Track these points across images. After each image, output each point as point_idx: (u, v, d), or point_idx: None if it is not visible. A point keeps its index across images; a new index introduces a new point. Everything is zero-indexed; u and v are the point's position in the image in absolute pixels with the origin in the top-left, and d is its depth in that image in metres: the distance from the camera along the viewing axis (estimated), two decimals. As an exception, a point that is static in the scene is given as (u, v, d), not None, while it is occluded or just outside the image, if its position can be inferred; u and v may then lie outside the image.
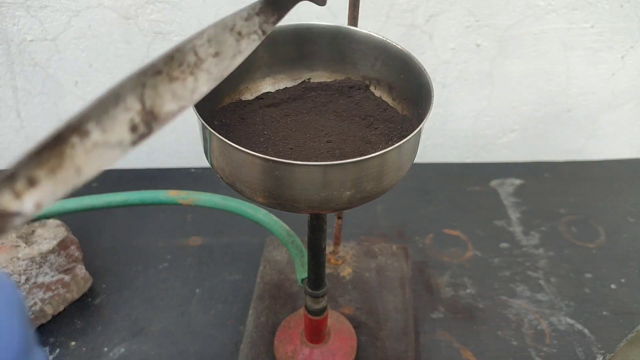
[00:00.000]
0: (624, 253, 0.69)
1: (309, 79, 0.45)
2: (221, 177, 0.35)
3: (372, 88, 0.44)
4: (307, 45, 0.44)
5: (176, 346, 0.57)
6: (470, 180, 0.80)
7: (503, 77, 0.74)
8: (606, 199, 0.77)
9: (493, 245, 0.69)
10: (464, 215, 0.74)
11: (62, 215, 0.59)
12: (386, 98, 0.44)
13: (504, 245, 0.69)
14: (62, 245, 0.57)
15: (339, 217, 0.60)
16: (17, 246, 0.55)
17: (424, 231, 0.71)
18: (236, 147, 0.31)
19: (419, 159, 0.84)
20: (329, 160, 0.36)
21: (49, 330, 0.58)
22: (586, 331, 0.59)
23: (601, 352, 0.57)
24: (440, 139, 0.82)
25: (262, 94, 0.44)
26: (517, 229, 0.72)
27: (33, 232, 0.57)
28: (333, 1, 0.66)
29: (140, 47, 0.69)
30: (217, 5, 0.66)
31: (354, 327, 0.57)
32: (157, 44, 0.69)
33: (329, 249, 0.64)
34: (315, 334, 0.52)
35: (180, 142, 0.79)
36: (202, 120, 0.33)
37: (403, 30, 0.69)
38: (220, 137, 0.32)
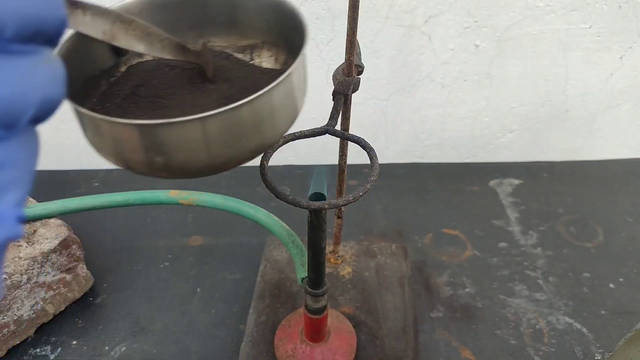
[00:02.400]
0: (623, 252, 0.69)
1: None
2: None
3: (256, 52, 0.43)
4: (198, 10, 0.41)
5: (177, 345, 0.57)
6: (469, 180, 0.80)
7: (502, 77, 0.75)
8: (604, 199, 0.77)
9: (492, 244, 0.70)
10: (463, 215, 0.74)
11: (64, 215, 0.60)
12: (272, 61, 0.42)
13: (502, 244, 0.70)
14: (64, 245, 0.57)
15: (339, 217, 0.61)
16: (19, 245, 0.55)
17: (423, 231, 0.72)
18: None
19: (418, 159, 0.85)
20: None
21: (50, 329, 0.59)
22: (585, 330, 0.60)
23: (600, 351, 0.57)
24: (439, 139, 0.82)
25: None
26: (515, 229, 0.72)
27: (35, 231, 0.57)
28: (333, 2, 0.67)
29: (141, 47, 0.69)
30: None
31: (354, 326, 0.57)
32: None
33: (328, 248, 0.64)
34: (315, 332, 0.53)
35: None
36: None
37: (402, 31, 0.69)
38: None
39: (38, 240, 0.56)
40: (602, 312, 0.61)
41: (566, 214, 0.74)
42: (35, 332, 0.58)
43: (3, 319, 0.54)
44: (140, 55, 0.41)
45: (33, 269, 0.55)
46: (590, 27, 0.71)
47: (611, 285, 0.65)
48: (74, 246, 0.59)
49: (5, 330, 0.54)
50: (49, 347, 0.57)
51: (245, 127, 0.32)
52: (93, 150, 0.34)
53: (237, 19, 0.42)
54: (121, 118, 0.32)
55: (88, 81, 0.39)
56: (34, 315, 0.57)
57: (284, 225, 0.54)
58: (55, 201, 0.59)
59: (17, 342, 0.56)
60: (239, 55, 0.43)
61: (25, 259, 0.54)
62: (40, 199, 0.62)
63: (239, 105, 0.30)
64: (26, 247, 0.55)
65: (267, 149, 0.36)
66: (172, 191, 0.59)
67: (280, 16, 0.39)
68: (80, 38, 0.37)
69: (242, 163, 0.34)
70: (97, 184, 0.78)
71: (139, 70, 0.40)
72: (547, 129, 0.80)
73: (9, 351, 0.56)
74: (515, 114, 0.79)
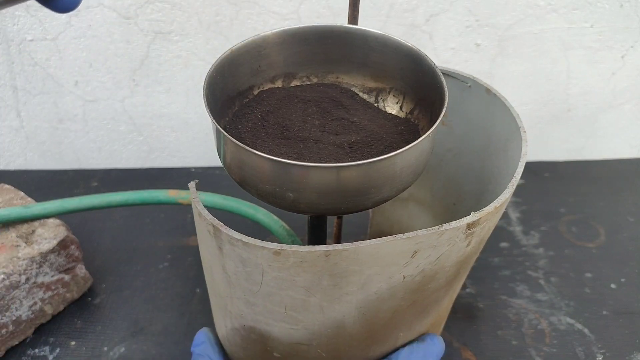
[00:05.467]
0: (624, 252, 0.69)
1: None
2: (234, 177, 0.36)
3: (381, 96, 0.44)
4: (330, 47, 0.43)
5: (176, 346, 0.57)
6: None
7: (503, 76, 0.75)
8: (606, 199, 0.77)
9: (493, 244, 0.69)
10: (464, 214, 0.74)
11: (62, 215, 0.59)
12: (396, 107, 0.43)
13: (503, 244, 0.69)
14: (62, 245, 0.57)
15: (339, 217, 0.60)
16: (17, 246, 0.55)
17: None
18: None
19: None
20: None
21: (49, 329, 0.58)
22: (586, 331, 0.59)
23: (601, 351, 0.57)
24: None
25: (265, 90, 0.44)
26: (516, 229, 0.72)
27: (33, 231, 0.57)
28: (334, 0, 0.66)
29: (140, 46, 0.69)
30: (217, 5, 0.66)
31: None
32: (157, 43, 0.69)
33: (329, 248, 0.64)
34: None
35: (180, 142, 0.79)
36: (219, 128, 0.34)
37: (403, 29, 0.69)
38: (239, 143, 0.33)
39: (36, 241, 0.56)
40: (604, 312, 0.61)
41: (568, 214, 0.74)
42: (34, 333, 0.58)
43: (1, 319, 0.54)
44: (272, 81, 0.43)
45: (31, 269, 0.54)
46: (591, 26, 0.70)
47: (613, 286, 0.64)
48: (73, 246, 0.58)
49: (3, 331, 0.54)
50: (47, 348, 0.57)
51: (379, 179, 0.33)
52: (225, 169, 0.36)
53: (372, 61, 0.43)
54: (261, 146, 0.34)
55: (226, 101, 0.40)
56: (32, 316, 0.56)
57: (284, 225, 0.54)
58: (53, 201, 0.58)
59: (16, 343, 0.56)
60: (365, 96, 0.43)
61: (23, 259, 0.54)
62: (38, 198, 0.62)
63: (383, 158, 0.32)
64: (24, 247, 0.55)
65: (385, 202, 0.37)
66: (171, 191, 0.59)
67: (416, 69, 0.40)
68: (228, 61, 0.38)
69: (364, 209, 0.36)
70: (95, 183, 0.78)
71: (270, 97, 0.41)
72: (549, 128, 0.80)
73: (7, 352, 0.56)
74: (516, 113, 0.78)
